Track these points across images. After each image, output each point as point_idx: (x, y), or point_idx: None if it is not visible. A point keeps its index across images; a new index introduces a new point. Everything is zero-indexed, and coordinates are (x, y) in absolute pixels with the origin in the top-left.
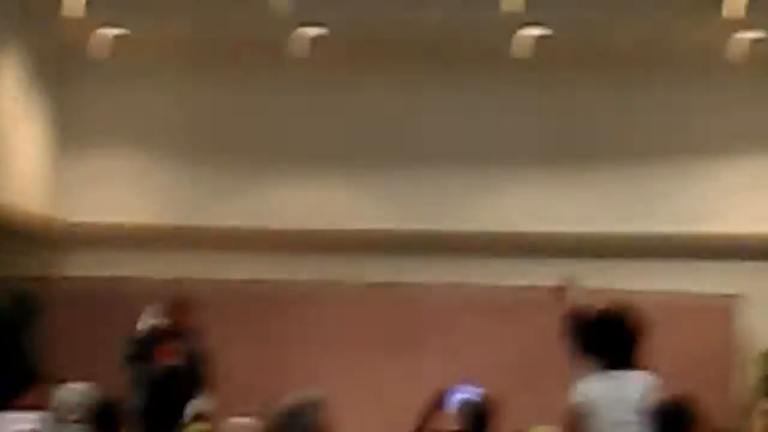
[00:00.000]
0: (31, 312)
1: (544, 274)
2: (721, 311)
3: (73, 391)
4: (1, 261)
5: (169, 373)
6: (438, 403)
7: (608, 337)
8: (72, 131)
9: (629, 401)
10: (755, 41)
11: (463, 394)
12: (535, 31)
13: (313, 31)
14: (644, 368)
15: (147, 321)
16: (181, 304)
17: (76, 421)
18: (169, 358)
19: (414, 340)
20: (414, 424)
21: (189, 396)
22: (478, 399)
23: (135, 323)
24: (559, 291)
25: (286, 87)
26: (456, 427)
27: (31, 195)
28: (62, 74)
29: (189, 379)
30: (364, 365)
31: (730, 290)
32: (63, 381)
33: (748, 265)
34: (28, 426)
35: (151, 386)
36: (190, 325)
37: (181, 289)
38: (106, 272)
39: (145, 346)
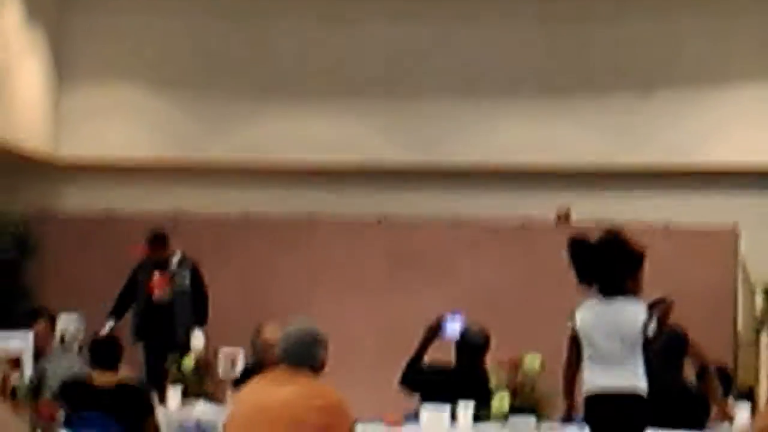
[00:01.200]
0: (30, 248)
1: (542, 206)
2: (722, 242)
3: (73, 322)
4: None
5: (159, 305)
6: (434, 333)
7: (604, 264)
8: (71, 64)
9: (622, 329)
10: None
11: (458, 324)
12: None
13: None
14: (641, 296)
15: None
16: (159, 237)
17: (77, 351)
18: (160, 290)
19: (411, 272)
20: (411, 354)
21: (181, 326)
22: (474, 329)
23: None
24: (560, 221)
25: (287, 18)
26: (452, 357)
27: (32, 129)
28: (62, 6)
29: (180, 310)
30: (360, 298)
31: (732, 220)
32: (62, 313)
33: (751, 195)
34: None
35: (141, 317)
36: (166, 257)
37: (162, 222)
38: (103, 206)
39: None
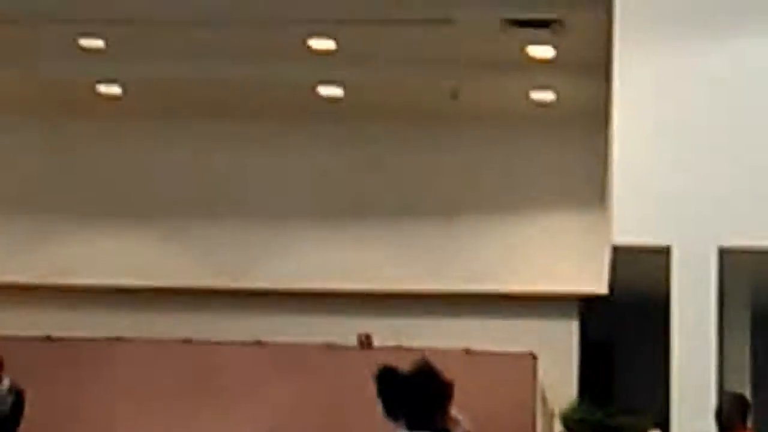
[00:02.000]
0: None
1: (345, 329)
2: (521, 367)
3: None
4: None
5: None
6: None
7: (414, 397)
8: None
9: None
10: (550, 102)
11: None
12: (330, 91)
13: (113, 89)
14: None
15: None
16: None
17: None
18: None
19: (215, 399)
20: None
21: None
22: None
23: None
24: (363, 346)
25: (86, 141)
26: None
27: None
28: None
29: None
30: (165, 417)
31: (530, 346)
32: None
33: (547, 321)
34: None
35: None
36: None
37: None
38: None
39: None
